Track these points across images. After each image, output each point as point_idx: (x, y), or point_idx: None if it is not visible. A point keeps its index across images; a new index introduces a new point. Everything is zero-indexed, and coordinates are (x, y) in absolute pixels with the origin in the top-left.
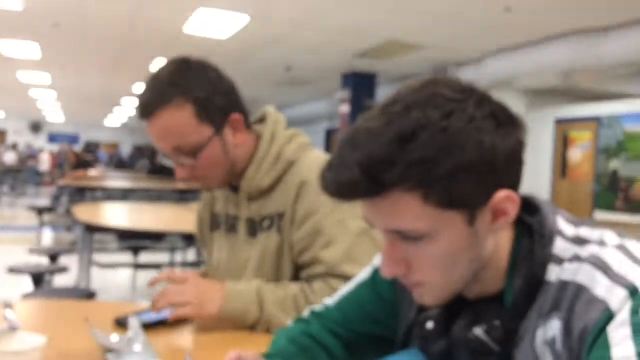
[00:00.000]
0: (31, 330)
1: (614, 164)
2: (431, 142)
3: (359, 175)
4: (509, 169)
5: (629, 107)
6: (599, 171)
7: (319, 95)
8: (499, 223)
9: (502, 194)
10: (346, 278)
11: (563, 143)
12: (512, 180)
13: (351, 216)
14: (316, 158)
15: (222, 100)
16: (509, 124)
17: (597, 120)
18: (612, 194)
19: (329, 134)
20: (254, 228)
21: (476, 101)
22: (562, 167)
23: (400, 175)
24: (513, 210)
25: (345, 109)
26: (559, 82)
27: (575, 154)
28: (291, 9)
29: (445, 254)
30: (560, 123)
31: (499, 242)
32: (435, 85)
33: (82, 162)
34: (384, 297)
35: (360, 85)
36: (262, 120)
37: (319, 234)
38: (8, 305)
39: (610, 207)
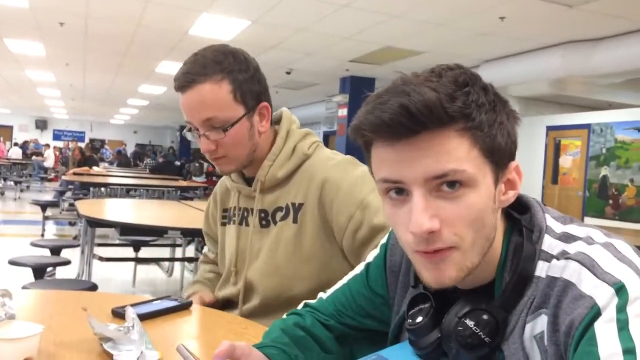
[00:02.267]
0: (29, 319)
1: (604, 171)
2: (482, 92)
3: (435, 99)
4: (516, 146)
5: (619, 115)
6: (589, 178)
7: (317, 98)
8: (508, 195)
9: (516, 163)
10: None
11: (555, 150)
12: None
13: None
14: (330, 154)
15: (256, 87)
16: (511, 110)
17: (587, 128)
18: (601, 201)
19: (327, 137)
20: (266, 219)
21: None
22: (553, 173)
23: (461, 108)
24: (518, 184)
25: (343, 112)
26: (551, 90)
27: (566, 161)
28: (290, 14)
29: (478, 209)
30: (552, 130)
31: (499, 229)
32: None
33: (87, 159)
34: (376, 291)
35: (358, 89)
36: (277, 121)
37: (365, 206)
38: (6, 294)
39: (600, 213)
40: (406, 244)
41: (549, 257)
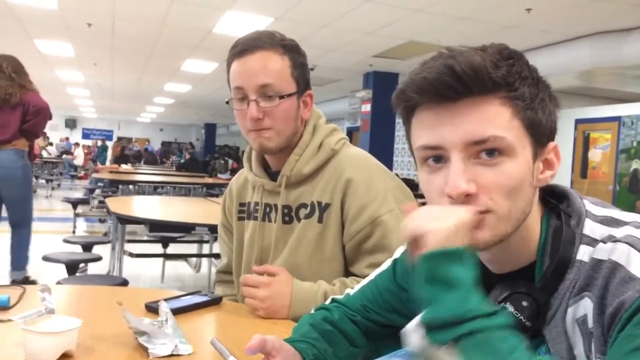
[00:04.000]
0: (66, 313)
1: (635, 165)
2: (526, 67)
3: (482, 64)
4: (556, 130)
5: None
6: (619, 172)
7: (341, 94)
8: (545, 175)
9: (555, 144)
10: None
11: (583, 143)
12: (554, 137)
13: (397, 206)
14: (356, 152)
15: (307, 74)
16: (554, 97)
17: (617, 121)
18: (632, 195)
19: (350, 133)
20: (289, 215)
21: None
22: (582, 167)
23: (504, 76)
24: (557, 165)
25: (366, 108)
26: (579, 82)
27: (596, 155)
28: (314, 11)
29: (516, 179)
30: (581, 123)
31: (535, 211)
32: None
33: (124, 156)
34: (403, 287)
35: (381, 84)
36: None
37: (377, 224)
38: (45, 289)
39: (630, 207)
40: None
41: (592, 241)
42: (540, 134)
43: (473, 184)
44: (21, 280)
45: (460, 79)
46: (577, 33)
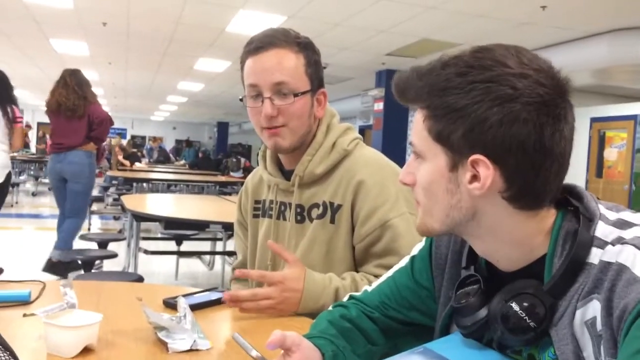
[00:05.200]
0: (86, 308)
1: None
2: (447, 77)
3: (401, 82)
4: (500, 142)
5: None
6: (635, 171)
7: (353, 92)
8: (473, 186)
9: (478, 157)
10: None
11: (599, 142)
12: (497, 152)
13: (409, 210)
14: (369, 153)
15: (321, 72)
16: (515, 102)
17: (634, 119)
18: None
19: (363, 132)
20: (302, 214)
21: (531, 78)
22: (597, 166)
23: (416, 91)
24: (485, 179)
25: (379, 106)
26: (594, 80)
27: (611, 154)
28: (326, 9)
29: (425, 180)
30: (596, 122)
31: (507, 219)
32: (511, 47)
33: (131, 155)
34: (421, 284)
35: None
36: None
37: (387, 227)
38: (67, 284)
39: None
40: None
41: (602, 244)
42: (451, 145)
43: (410, 176)
44: (52, 262)
45: (397, 90)
46: (593, 30)
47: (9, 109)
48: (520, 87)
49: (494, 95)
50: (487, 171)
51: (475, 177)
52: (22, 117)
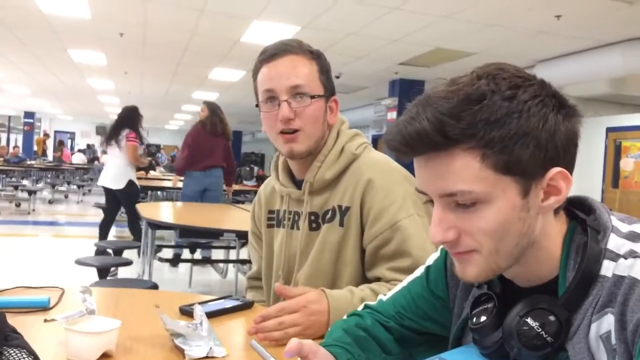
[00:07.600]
0: (104, 314)
1: None
2: (498, 105)
3: (427, 127)
4: (566, 149)
5: None
6: None
7: (366, 102)
8: (549, 202)
9: (557, 170)
10: None
11: (615, 152)
12: (567, 161)
13: (416, 212)
14: (377, 156)
15: (333, 82)
16: (569, 108)
17: None
18: None
19: (375, 141)
20: (316, 222)
21: (540, 82)
22: (613, 176)
23: (464, 130)
24: (565, 189)
25: (392, 115)
26: (610, 89)
27: (628, 164)
28: (340, 19)
29: (497, 222)
30: (612, 132)
31: (552, 229)
32: (502, 64)
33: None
34: (436, 294)
35: (407, 92)
36: None
37: (396, 228)
38: (86, 291)
39: None
40: None
41: (615, 257)
42: (525, 170)
43: (452, 231)
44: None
45: (408, 144)
46: (609, 39)
47: (123, 132)
48: (552, 91)
49: (551, 106)
50: (567, 180)
51: (548, 193)
52: (135, 137)
